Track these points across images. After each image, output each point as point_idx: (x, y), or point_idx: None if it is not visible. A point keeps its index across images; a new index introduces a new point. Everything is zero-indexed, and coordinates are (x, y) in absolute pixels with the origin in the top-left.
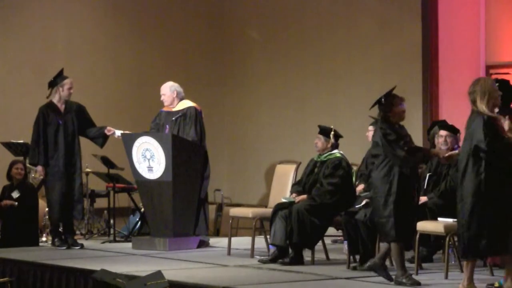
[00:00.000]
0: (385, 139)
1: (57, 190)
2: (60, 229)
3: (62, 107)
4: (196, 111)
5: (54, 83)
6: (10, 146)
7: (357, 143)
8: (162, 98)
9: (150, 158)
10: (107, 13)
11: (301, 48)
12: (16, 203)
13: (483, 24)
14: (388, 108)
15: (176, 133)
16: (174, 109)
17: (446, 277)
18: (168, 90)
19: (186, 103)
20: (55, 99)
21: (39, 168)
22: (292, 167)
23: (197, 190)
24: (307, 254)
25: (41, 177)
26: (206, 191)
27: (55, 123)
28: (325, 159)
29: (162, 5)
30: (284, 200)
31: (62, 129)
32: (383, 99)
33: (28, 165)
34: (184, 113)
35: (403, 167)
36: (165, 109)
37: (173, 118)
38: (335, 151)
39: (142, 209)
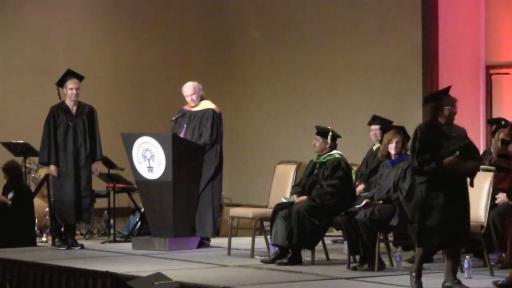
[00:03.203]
0: (412, 142)
1: (64, 192)
2: (61, 229)
3: (73, 108)
4: (215, 114)
5: (59, 84)
6: (10, 146)
7: (357, 143)
8: (189, 99)
9: (150, 158)
10: (107, 13)
11: (301, 48)
12: (10, 202)
13: (483, 24)
14: (437, 108)
15: (192, 132)
16: (194, 109)
17: None
18: (197, 88)
19: (206, 104)
20: (67, 100)
21: (52, 167)
22: (292, 167)
23: (197, 190)
24: (307, 254)
25: (55, 176)
26: (218, 192)
27: (64, 124)
28: (324, 160)
29: (162, 4)
30: (284, 200)
31: (72, 131)
32: (435, 97)
33: (28, 165)
34: (184, 113)
35: (414, 174)
36: (186, 107)
37: (173, 118)
38: (334, 151)
39: (142, 209)
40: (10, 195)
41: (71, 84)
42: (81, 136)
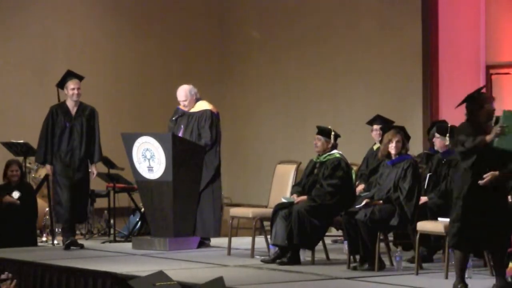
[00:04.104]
0: (456, 138)
1: (57, 193)
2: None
3: (74, 109)
4: (212, 115)
5: (60, 85)
6: (10, 146)
7: (357, 143)
8: (183, 103)
9: (150, 158)
10: (107, 13)
11: (301, 48)
12: (18, 201)
13: (483, 24)
14: (477, 106)
15: (190, 133)
16: (191, 110)
17: (446, 277)
18: (189, 95)
19: (203, 105)
20: (68, 101)
21: (48, 167)
22: (292, 167)
23: (197, 190)
24: (307, 254)
25: (50, 176)
26: (219, 193)
27: (62, 125)
28: (325, 159)
29: (162, 5)
30: (284, 200)
31: (68, 132)
32: (474, 96)
33: (28, 165)
34: (183, 113)
35: (463, 161)
36: (181, 107)
37: (173, 118)
38: (334, 151)
39: (142, 209)
40: (16, 195)
41: (72, 84)
42: (77, 137)
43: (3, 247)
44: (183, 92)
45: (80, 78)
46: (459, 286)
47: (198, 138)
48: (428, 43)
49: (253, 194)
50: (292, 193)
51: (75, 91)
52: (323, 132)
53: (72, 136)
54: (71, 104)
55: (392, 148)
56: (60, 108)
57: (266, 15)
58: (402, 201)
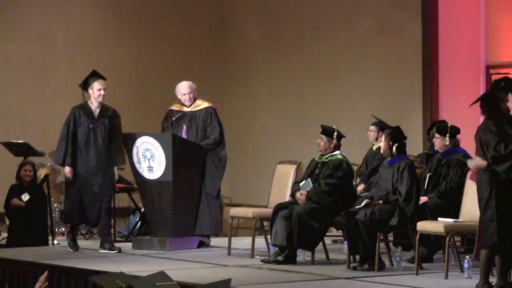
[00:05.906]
0: (483, 140)
1: (74, 193)
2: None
3: (96, 110)
4: (215, 111)
5: (85, 85)
6: (10, 146)
7: (358, 143)
8: (186, 97)
9: (150, 158)
10: (107, 14)
11: (301, 48)
12: (24, 204)
13: (483, 24)
14: (495, 103)
15: (195, 132)
16: (191, 109)
17: (446, 277)
18: (193, 89)
19: (203, 103)
20: (91, 102)
21: (67, 169)
22: (292, 167)
23: (197, 190)
24: (307, 254)
25: (69, 177)
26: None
27: (85, 126)
28: (326, 160)
29: (162, 5)
30: (303, 183)
31: (92, 134)
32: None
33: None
34: (184, 113)
35: (496, 165)
36: (175, 108)
37: (173, 118)
38: (337, 152)
39: (142, 209)
40: (26, 197)
41: (98, 85)
42: (101, 139)
43: (13, 246)
44: (187, 84)
45: (103, 78)
46: None
47: (204, 136)
48: (428, 43)
49: (253, 194)
50: (293, 191)
51: (102, 92)
52: (327, 131)
53: (96, 138)
54: (94, 105)
55: (382, 149)
56: (82, 109)
57: (266, 16)
58: (401, 204)
